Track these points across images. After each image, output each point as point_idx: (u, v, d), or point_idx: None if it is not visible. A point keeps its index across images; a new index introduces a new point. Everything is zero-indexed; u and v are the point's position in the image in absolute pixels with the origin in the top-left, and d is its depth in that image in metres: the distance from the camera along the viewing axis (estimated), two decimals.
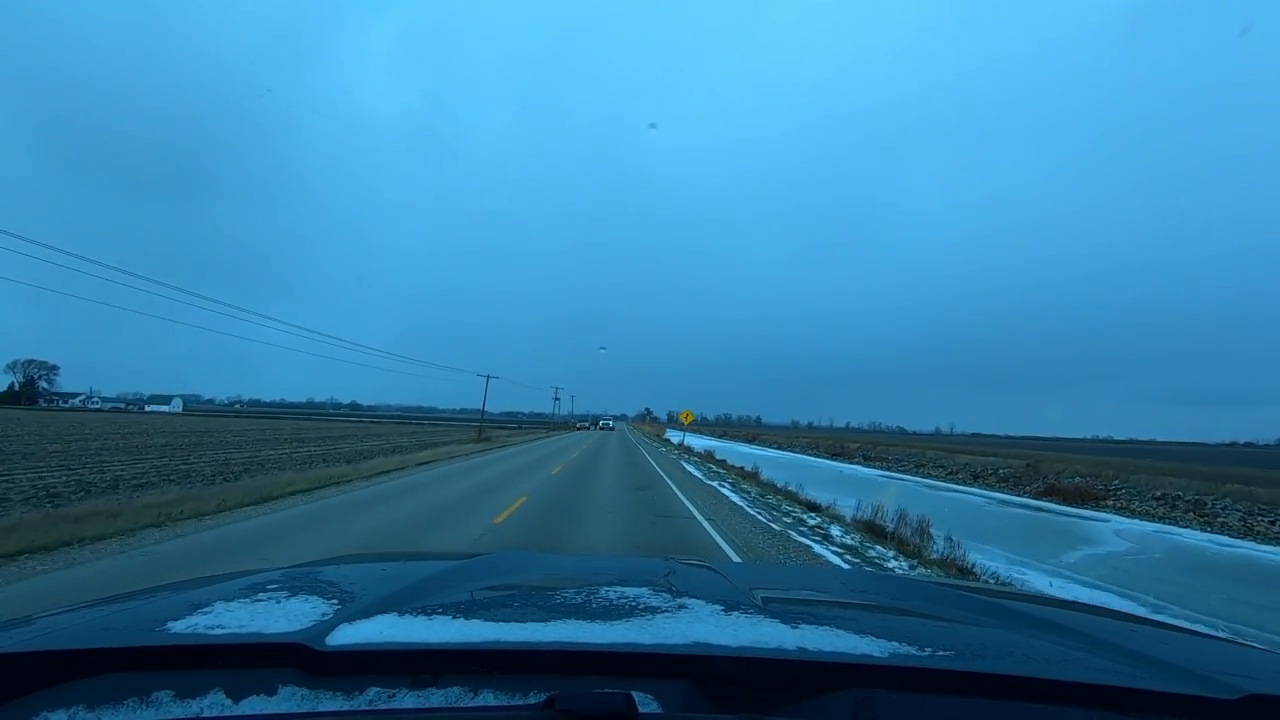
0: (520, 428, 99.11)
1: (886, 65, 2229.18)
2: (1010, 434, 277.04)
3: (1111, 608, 1.95)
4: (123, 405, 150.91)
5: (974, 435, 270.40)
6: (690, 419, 36.07)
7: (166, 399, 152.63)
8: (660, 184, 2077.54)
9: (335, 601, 1.12)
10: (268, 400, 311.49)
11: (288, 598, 1.13)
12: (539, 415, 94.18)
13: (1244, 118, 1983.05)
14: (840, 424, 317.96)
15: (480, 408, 53.73)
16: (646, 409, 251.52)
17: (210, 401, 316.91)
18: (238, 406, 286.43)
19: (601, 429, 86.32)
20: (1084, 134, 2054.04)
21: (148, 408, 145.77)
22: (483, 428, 51.61)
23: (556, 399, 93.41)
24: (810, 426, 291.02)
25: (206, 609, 1.05)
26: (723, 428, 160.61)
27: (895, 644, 0.93)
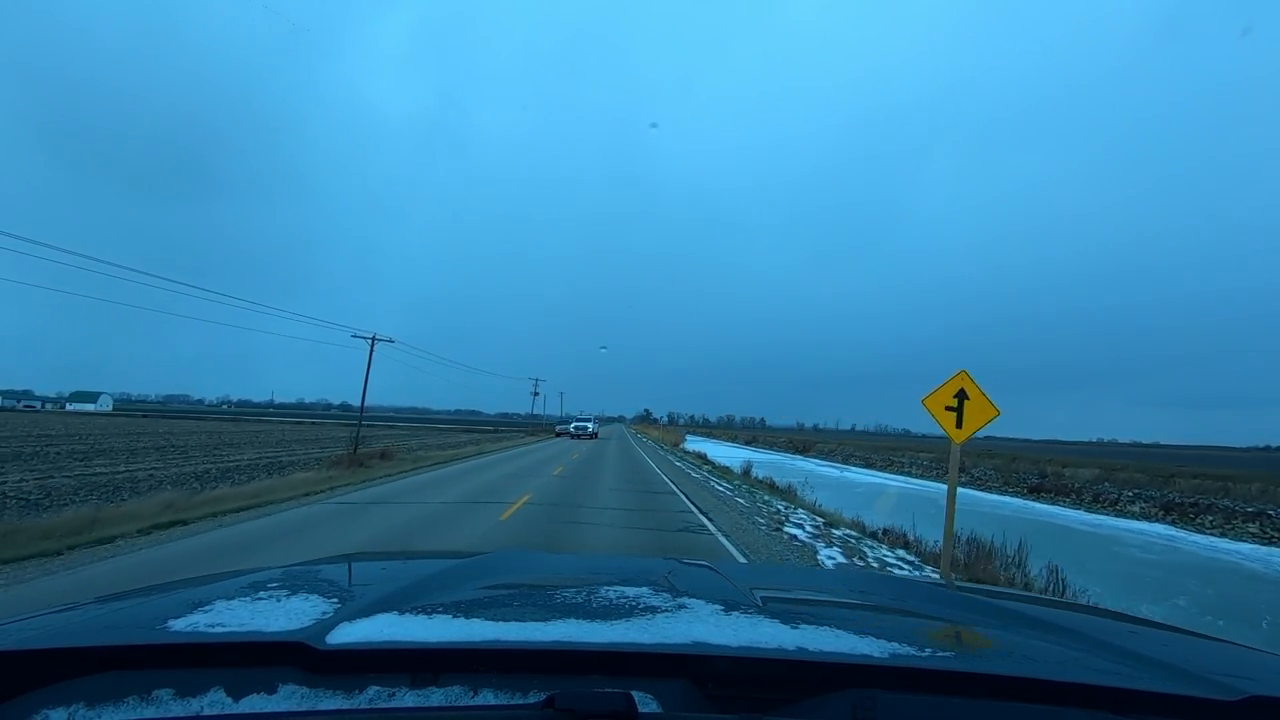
0: (496, 430, 74.69)
1: (903, 68, 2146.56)
2: (1021, 437, 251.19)
3: (1111, 608, 1.76)
4: (37, 404, 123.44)
5: (986, 438, 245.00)
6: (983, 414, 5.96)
7: (93, 396, 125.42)
8: (670, 185, 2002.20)
9: (335, 600, 1.05)
10: (258, 401, 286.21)
11: (288, 596, 1.07)
12: (536, 418, 70.49)
13: (1255, 118, 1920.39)
14: (845, 426, 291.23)
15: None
16: (646, 410, 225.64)
17: (200, 401, 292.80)
18: (225, 406, 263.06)
19: (575, 435, 46.02)
20: (1094, 137, 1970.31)
21: (68, 406, 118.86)
22: (358, 442, 24.68)
23: (535, 394, 67.10)
24: (815, 429, 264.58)
25: (207, 607, 0.99)
26: (752, 432, 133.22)
27: (895, 644, 0.88)
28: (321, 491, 12.70)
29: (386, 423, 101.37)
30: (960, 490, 25.83)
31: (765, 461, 39.00)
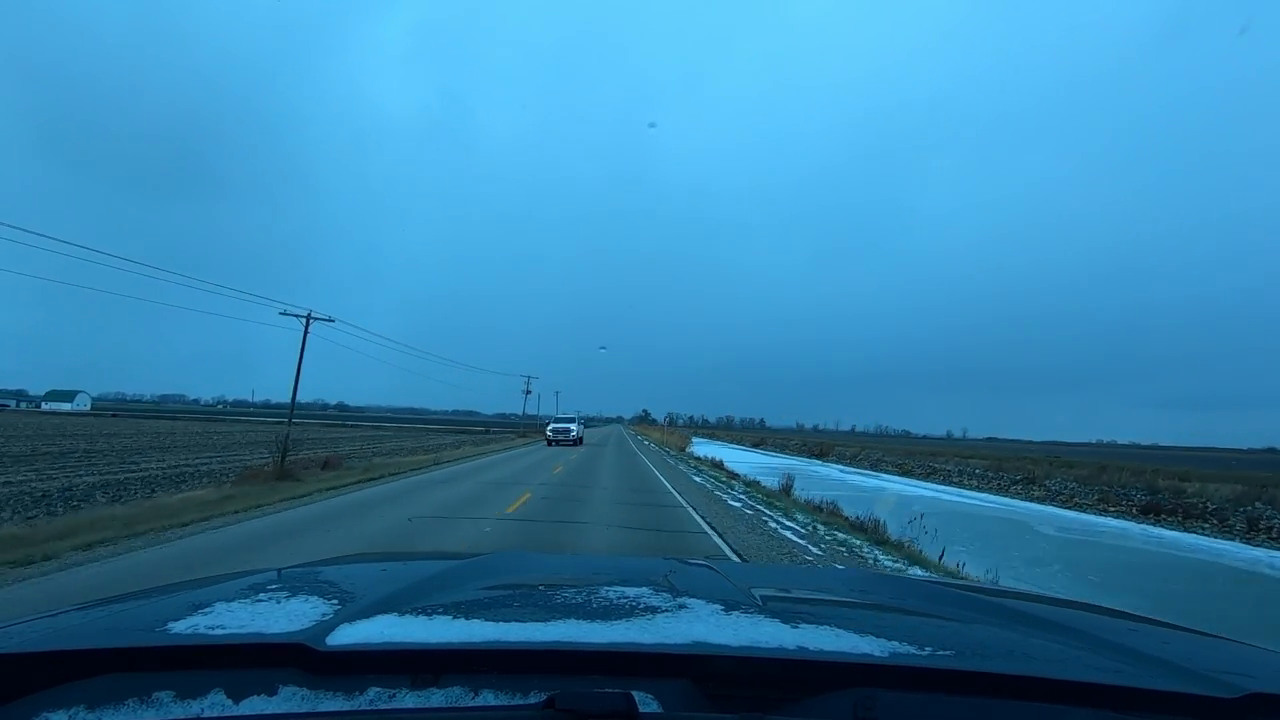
0: (487, 431, 69.14)
1: (906, 67, 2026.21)
2: (1022, 438, 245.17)
3: (1111, 607, 1.66)
4: (11, 403, 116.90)
5: (988, 440, 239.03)
6: None
7: (70, 395, 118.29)
8: (672, 184, 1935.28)
9: (336, 601, 1.04)
10: (254, 401, 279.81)
11: (288, 598, 1.05)
12: (531, 418, 65.23)
13: (1256, 116, 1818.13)
14: (845, 427, 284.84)
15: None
16: (644, 410, 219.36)
17: (195, 401, 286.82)
18: (220, 406, 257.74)
19: (553, 440, 34.98)
20: (1094, 136, 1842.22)
21: (45, 405, 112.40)
22: (285, 449, 18.34)
23: (527, 392, 61.08)
24: (815, 430, 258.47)
25: (207, 609, 0.98)
26: (752, 433, 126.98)
27: (895, 643, 0.88)
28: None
29: (373, 423, 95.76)
30: (1046, 510, 17.69)
31: (789, 469, 32.89)
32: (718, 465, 26.32)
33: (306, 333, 20.60)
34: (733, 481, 17.75)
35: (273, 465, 18.04)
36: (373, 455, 28.71)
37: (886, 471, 37.15)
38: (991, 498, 24.98)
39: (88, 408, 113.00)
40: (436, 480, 15.10)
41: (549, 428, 36.57)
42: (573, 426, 35.31)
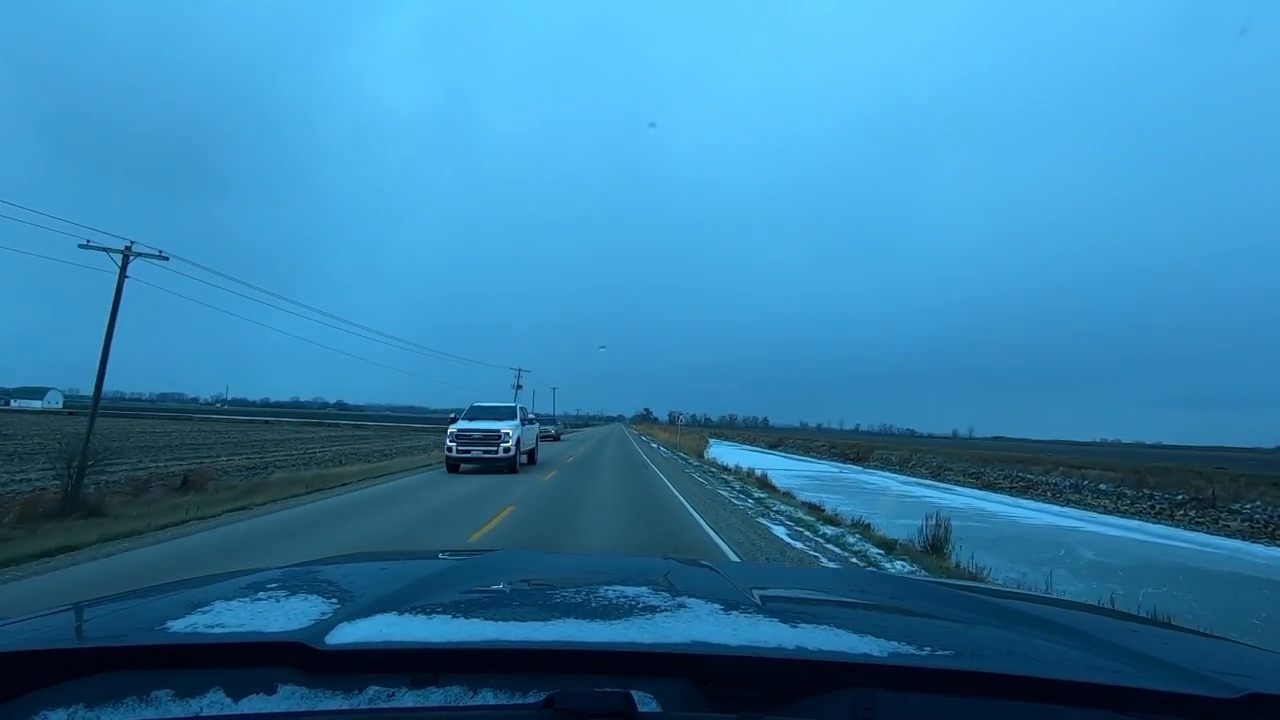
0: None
1: (913, 64, 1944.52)
2: (1028, 438, 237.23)
3: (1111, 607, 1.66)
4: None
5: (995, 439, 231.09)
6: None
7: (40, 392, 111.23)
8: (676, 183, 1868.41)
9: (335, 600, 1.03)
10: (253, 399, 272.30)
11: (287, 597, 1.04)
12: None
13: (1257, 114, 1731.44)
14: (849, 426, 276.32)
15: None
16: (646, 409, 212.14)
17: (194, 400, 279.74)
18: (219, 405, 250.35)
19: (463, 455, 15.97)
20: (1098, 134, 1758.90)
21: (13, 402, 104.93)
22: (82, 465, 10.55)
23: (517, 386, 52.76)
24: (819, 428, 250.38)
25: (206, 608, 0.97)
26: (757, 433, 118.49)
27: (895, 643, 0.87)
28: None
29: (356, 423, 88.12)
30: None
31: (834, 479, 24.92)
32: (763, 482, 18.36)
33: (123, 275, 12.57)
34: (847, 536, 9.65)
35: (61, 491, 10.69)
36: (283, 467, 20.88)
37: (957, 483, 29.12)
38: (1167, 531, 16.93)
39: (59, 405, 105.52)
40: (333, 514, 7.11)
41: (453, 429, 16.62)
42: (506, 428, 16.36)
